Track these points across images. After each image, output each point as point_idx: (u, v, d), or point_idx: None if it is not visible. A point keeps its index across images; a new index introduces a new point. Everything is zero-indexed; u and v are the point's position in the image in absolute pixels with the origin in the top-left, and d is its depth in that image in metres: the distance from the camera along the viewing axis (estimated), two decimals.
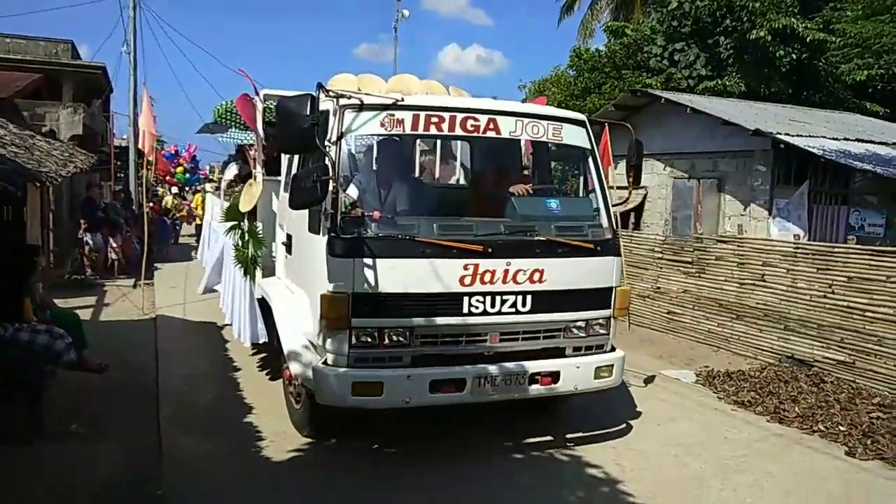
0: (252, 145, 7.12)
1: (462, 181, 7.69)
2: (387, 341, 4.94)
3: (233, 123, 8.12)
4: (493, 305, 5.07)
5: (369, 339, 4.92)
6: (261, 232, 6.59)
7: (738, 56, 21.19)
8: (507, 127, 5.34)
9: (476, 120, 5.26)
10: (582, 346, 5.44)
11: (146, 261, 12.10)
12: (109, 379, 6.50)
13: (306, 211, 5.34)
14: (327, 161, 4.70)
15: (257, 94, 6.48)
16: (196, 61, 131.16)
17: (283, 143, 4.81)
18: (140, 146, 12.98)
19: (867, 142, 16.26)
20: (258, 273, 6.63)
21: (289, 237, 5.90)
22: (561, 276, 5.22)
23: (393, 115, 5.09)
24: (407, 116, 5.12)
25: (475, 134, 5.31)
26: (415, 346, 4.99)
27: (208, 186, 11.78)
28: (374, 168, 5.53)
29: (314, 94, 4.69)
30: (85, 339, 6.44)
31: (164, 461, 5.17)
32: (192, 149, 19.49)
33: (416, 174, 6.55)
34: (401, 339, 4.95)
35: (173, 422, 5.91)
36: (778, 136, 13.85)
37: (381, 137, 5.32)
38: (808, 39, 19.65)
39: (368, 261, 4.85)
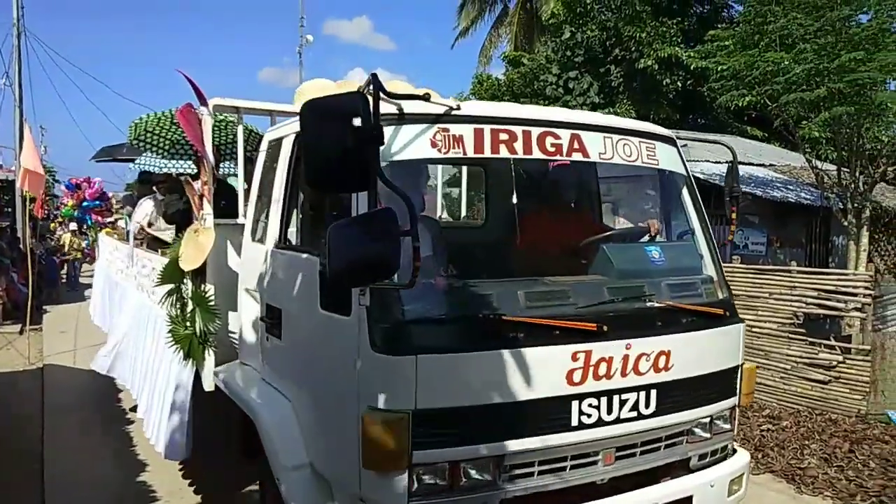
0: (190, 175, 4.83)
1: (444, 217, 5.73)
2: (464, 481, 2.90)
3: (151, 146, 5.77)
4: (609, 410, 3.13)
5: (438, 481, 2.86)
6: (212, 299, 4.32)
7: (628, 84, 20.56)
8: (594, 147, 3.44)
9: (557, 137, 3.35)
10: (707, 451, 3.60)
11: (33, 304, 10.44)
12: None
13: (304, 275, 3.30)
14: (383, 202, 2.64)
15: (205, 104, 4.24)
16: (87, 87, 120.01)
17: (316, 175, 2.57)
18: (22, 185, 10.41)
19: (747, 164, 15.94)
20: (209, 357, 4.35)
21: (273, 312, 3.67)
22: (689, 358, 3.34)
23: (447, 130, 3.10)
24: (467, 132, 3.14)
25: (557, 156, 3.39)
26: (503, 484, 2.97)
27: (121, 224, 9.10)
28: (422, 209, 3.46)
29: (366, 91, 2.59)
30: None
31: None
32: (97, 184, 16.16)
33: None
34: (484, 475, 2.93)
35: (60, 484, 5.16)
36: None
37: (432, 164, 3.31)
38: (691, 67, 19.28)
39: (438, 358, 2.81)
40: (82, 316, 11.51)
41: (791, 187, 15.49)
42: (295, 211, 3.75)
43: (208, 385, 4.34)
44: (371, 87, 2.60)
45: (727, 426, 3.63)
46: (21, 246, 15.40)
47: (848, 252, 12.33)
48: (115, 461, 5.65)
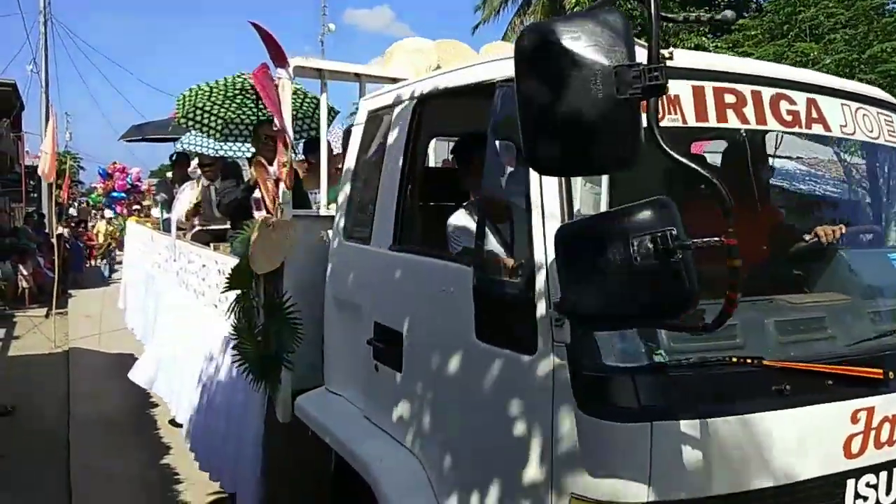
0: (258, 157, 3.76)
1: None
2: None
3: (202, 126, 4.71)
4: (888, 489, 2.09)
5: None
6: (292, 308, 3.26)
7: None
8: (834, 116, 2.38)
9: (793, 102, 2.28)
10: None
11: (59, 288, 10.19)
12: (16, 422, 5.64)
13: (446, 291, 2.27)
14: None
15: (284, 64, 3.16)
16: (110, 73, 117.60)
17: (548, 149, 1.40)
18: (42, 171, 9.60)
19: (771, 156, 15.02)
20: (285, 381, 3.31)
21: (387, 335, 2.59)
22: None
23: None
24: (684, 92, 2.08)
25: (794, 127, 2.34)
26: None
27: (155, 212, 7.97)
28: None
29: (619, 17, 1.43)
30: None
31: None
32: (132, 175, 15.13)
33: None
34: None
35: (85, 468, 4.88)
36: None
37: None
38: None
39: (680, 425, 1.78)
40: (107, 300, 11.29)
41: (818, 181, 14.61)
42: (411, 201, 2.70)
43: (284, 415, 3.31)
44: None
45: None
46: (47, 231, 14.65)
47: None
48: (139, 444, 5.39)
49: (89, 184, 24.20)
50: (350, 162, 3.07)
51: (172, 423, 5.16)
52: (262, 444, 3.33)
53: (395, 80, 3.38)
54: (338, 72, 3.40)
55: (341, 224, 3.06)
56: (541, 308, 1.88)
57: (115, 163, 15.26)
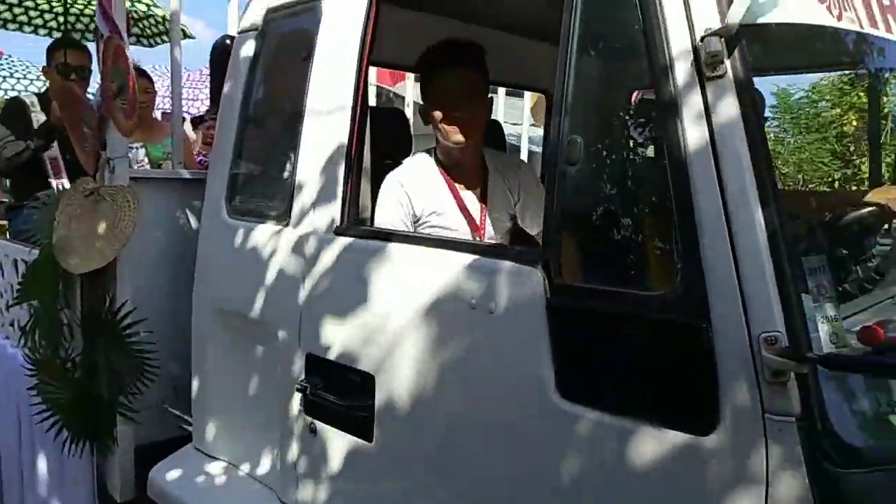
0: (65, 85, 2.34)
1: None
2: None
3: None
4: None
5: None
6: (135, 328, 1.97)
7: None
8: None
9: None
10: None
11: None
12: None
13: (478, 308, 1.25)
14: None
15: None
16: None
17: None
18: None
19: None
20: (124, 437, 2.03)
21: (340, 381, 1.42)
22: None
23: None
24: None
25: None
26: None
27: None
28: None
29: None
30: None
31: None
32: None
33: None
34: None
35: None
36: None
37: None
38: None
39: None
40: None
41: None
42: (365, 157, 1.61)
43: (124, 491, 2.05)
44: None
45: None
46: None
47: None
48: None
49: None
50: (232, 95, 1.87)
51: None
52: None
53: None
54: None
55: (221, 193, 1.86)
56: (729, 345, 0.96)
57: None
